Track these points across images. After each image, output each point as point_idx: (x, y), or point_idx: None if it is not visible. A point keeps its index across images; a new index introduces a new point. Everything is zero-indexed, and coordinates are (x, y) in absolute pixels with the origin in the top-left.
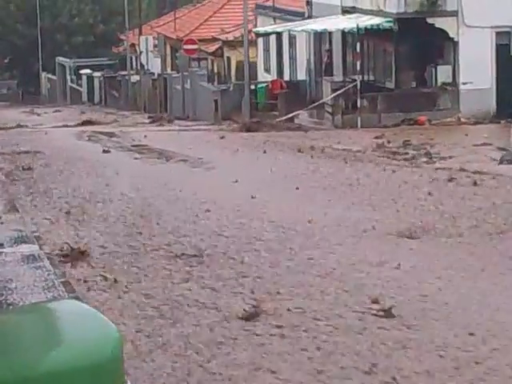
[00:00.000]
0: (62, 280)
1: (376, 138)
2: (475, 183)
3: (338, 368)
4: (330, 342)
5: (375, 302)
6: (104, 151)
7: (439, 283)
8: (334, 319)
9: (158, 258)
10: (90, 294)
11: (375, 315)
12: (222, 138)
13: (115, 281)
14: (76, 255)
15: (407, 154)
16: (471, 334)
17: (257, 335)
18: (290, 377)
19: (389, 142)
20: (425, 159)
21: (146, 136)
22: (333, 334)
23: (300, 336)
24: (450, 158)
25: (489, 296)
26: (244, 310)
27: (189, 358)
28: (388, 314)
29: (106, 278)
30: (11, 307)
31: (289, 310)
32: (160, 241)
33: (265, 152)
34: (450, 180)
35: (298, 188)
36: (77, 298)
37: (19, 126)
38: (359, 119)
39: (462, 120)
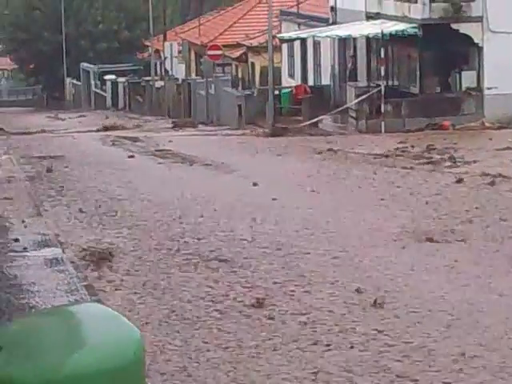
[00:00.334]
0: (85, 283)
1: (400, 142)
2: (497, 187)
3: None
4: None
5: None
6: (129, 156)
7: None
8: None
9: (179, 263)
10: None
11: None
12: (246, 142)
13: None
14: (99, 259)
15: (431, 158)
16: None
17: None
18: None
19: (412, 147)
20: (449, 163)
21: (170, 141)
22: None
23: None
24: (474, 162)
25: None
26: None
27: None
28: None
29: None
30: (34, 310)
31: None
32: (181, 244)
33: (287, 156)
34: (474, 184)
35: (316, 191)
36: (99, 301)
37: (43, 130)
38: (383, 124)
39: (486, 125)
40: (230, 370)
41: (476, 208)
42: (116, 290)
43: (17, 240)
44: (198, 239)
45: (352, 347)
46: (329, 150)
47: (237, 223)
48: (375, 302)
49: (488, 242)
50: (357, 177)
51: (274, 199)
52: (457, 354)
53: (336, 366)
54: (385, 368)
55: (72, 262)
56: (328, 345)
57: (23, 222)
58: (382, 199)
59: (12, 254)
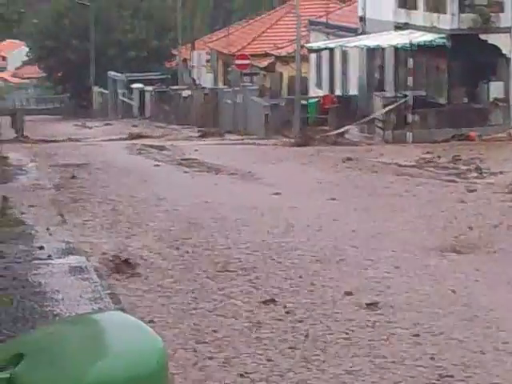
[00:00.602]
0: (109, 291)
1: (426, 153)
2: None
3: None
4: None
5: None
6: (155, 165)
7: None
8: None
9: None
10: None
11: None
12: (272, 152)
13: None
14: (123, 267)
15: (457, 169)
16: None
17: None
18: None
19: (439, 157)
20: (475, 174)
21: (196, 150)
22: None
23: None
24: (501, 173)
25: None
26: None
27: None
28: None
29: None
30: (58, 318)
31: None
32: (205, 253)
33: (313, 166)
34: (500, 194)
35: (340, 201)
36: (122, 310)
37: (70, 139)
38: (410, 134)
39: None
40: None
41: (503, 216)
42: (140, 298)
43: (41, 248)
44: (227, 248)
45: None
46: (355, 159)
47: (249, 233)
48: None
49: None
50: (384, 187)
51: (292, 207)
52: None
53: None
54: None
55: (96, 270)
56: None
57: (48, 229)
58: (411, 209)
59: (36, 261)
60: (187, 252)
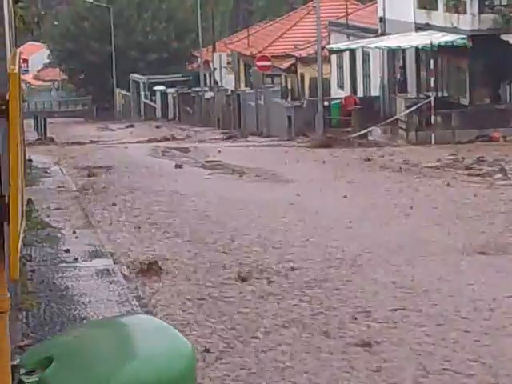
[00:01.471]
0: (136, 294)
1: (450, 154)
2: None
3: None
4: None
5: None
6: (177, 166)
7: None
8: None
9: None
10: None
11: None
12: (295, 153)
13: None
14: (150, 270)
15: (481, 170)
16: None
17: None
18: None
19: (463, 159)
20: (499, 175)
21: (219, 151)
22: None
23: None
24: None
25: None
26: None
27: None
28: None
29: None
30: (85, 321)
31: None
32: (232, 255)
33: (336, 167)
34: None
35: (365, 204)
36: (150, 313)
37: (93, 141)
38: (433, 135)
39: None
40: None
41: None
42: (166, 301)
43: (68, 251)
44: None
45: None
46: (379, 161)
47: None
48: None
49: None
50: (413, 189)
51: (316, 210)
52: None
53: None
54: None
55: (123, 273)
56: None
57: (74, 232)
58: (437, 211)
59: (63, 264)
60: (215, 253)
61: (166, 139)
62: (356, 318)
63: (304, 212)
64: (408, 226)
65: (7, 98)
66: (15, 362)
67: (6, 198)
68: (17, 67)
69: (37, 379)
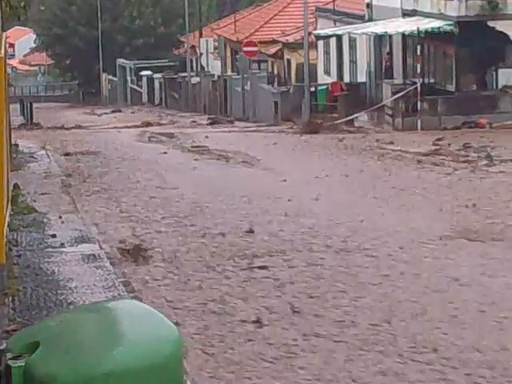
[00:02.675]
0: (122, 279)
1: (436, 140)
2: None
3: None
4: None
5: None
6: (163, 152)
7: None
8: None
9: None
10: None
11: None
12: (281, 139)
13: None
14: (136, 255)
15: (468, 156)
16: None
17: None
18: None
19: (449, 145)
20: (485, 162)
21: (206, 137)
22: None
23: None
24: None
25: None
26: None
27: None
28: None
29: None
30: (71, 306)
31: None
32: (218, 239)
33: (322, 153)
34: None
35: (352, 188)
36: (136, 298)
37: (79, 126)
38: (419, 122)
39: None
40: None
41: None
42: (153, 286)
43: (54, 236)
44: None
45: None
46: (365, 147)
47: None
48: None
49: None
50: (396, 175)
51: (299, 196)
52: None
53: None
54: None
55: (109, 258)
56: None
57: (60, 217)
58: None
59: (49, 249)
60: (202, 237)
61: (152, 124)
62: None
63: (299, 202)
64: (384, 210)
65: None
66: (1, 347)
67: None
68: (2, 51)
69: (23, 364)
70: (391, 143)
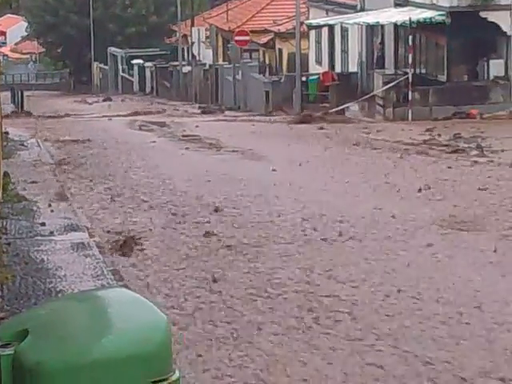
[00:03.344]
0: (111, 268)
1: (427, 130)
2: None
3: None
4: None
5: None
6: (154, 141)
7: None
8: None
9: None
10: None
11: None
12: (272, 129)
13: None
14: (125, 243)
15: (458, 146)
16: None
17: None
18: None
19: (439, 135)
20: (476, 152)
21: (197, 126)
22: None
23: None
24: (502, 151)
25: None
26: None
27: None
28: None
29: None
30: (60, 295)
31: None
32: (209, 227)
33: (312, 142)
34: (501, 173)
35: (340, 179)
36: (125, 286)
37: (70, 114)
38: (410, 112)
39: None
40: None
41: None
42: (142, 274)
43: (43, 224)
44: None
45: None
46: (355, 137)
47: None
48: None
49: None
50: (384, 164)
51: (289, 184)
52: None
53: None
54: None
55: (98, 247)
56: None
57: (49, 205)
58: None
59: (39, 238)
60: (190, 227)
61: (143, 113)
62: None
63: (292, 191)
64: (376, 200)
65: None
66: None
67: None
68: None
69: (12, 352)
70: (378, 132)
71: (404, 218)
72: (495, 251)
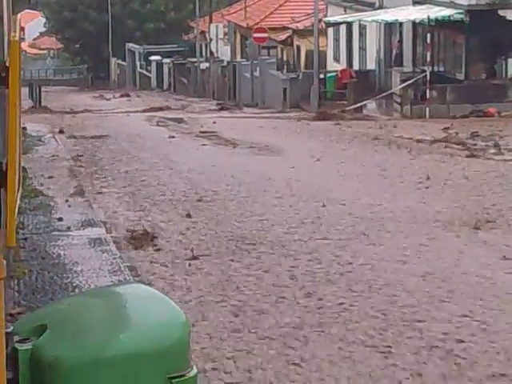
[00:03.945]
0: (128, 264)
1: (444, 128)
2: None
3: None
4: None
5: None
6: (171, 136)
7: None
8: None
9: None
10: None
11: None
12: (290, 126)
13: None
14: (143, 239)
15: (475, 145)
16: None
17: None
18: None
19: (457, 133)
20: (493, 151)
21: (214, 122)
22: None
23: None
24: None
25: None
26: None
27: None
28: None
29: None
30: (77, 290)
31: None
32: (226, 226)
33: (330, 140)
34: None
35: (358, 179)
36: (142, 282)
37: (88, 110)
38: (428, 110)
39: None
40: None
41: None
42: (160, 270)
43: (60, 219)
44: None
45: None
46: (373, 134)
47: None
48: None
49: None
50: (401, 162)
51: (308, 183)
52: None
53: None
54: None
55: (115, 242)
56: None
57: (67, 201)
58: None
59: (56, 233)
60: (206, 224)
61: (161, 109)
62: None
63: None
64: (396, 197)
65: (7, 65)
66: (9, 330)
67: (4, 164)
68: (17, 34)
69: (30, 347)
70: (396, 129)
71: (426, 217)
72: None
